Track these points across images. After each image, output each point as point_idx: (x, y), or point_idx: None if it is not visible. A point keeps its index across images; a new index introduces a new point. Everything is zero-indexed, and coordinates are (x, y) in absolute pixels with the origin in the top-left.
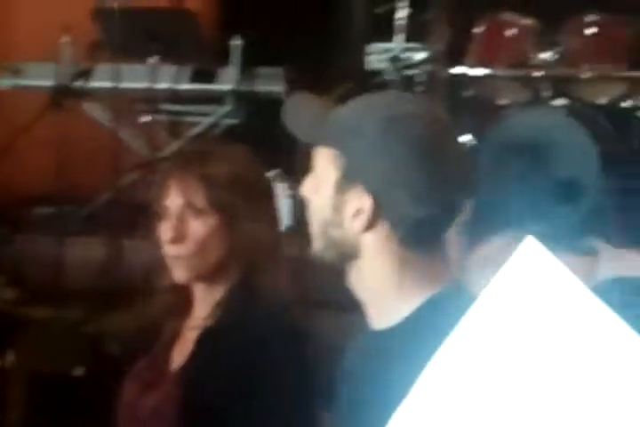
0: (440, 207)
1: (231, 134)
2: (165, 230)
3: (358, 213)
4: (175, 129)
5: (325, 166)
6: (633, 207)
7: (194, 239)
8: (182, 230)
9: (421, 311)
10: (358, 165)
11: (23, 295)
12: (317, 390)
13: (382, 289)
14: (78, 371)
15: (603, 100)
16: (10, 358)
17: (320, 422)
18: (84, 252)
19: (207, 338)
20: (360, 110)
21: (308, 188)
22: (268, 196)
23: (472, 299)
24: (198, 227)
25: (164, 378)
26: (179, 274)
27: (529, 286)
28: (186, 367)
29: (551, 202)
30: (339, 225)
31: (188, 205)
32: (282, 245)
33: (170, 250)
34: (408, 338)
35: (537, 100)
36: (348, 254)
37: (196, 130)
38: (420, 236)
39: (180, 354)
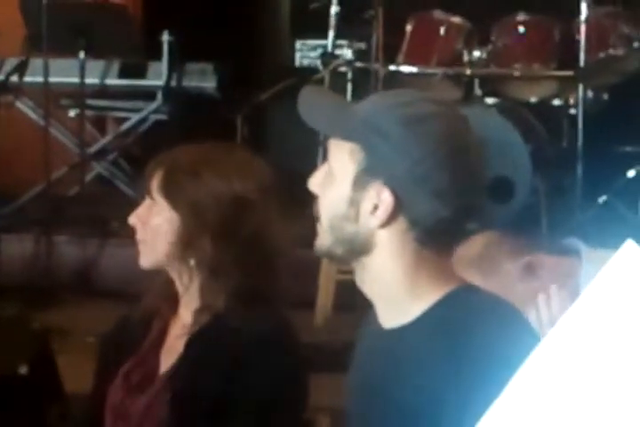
0: (460, 207)
1: (160, 130)
2: (132, 214)
3: (376, 208)
4: (104, 124)
5: (342, 160)
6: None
7: (148, 225)
8: (142, 215)
9: (435, 310)
10: (380, 161)
11: None
12: (306, 394)
13: (395, 287)
14: (23, 369)
15: (533, 99)
16: None
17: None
18: (15, 247)
19: (195, 343)
20: (381, 108)
21: (317, 181)
22: (237, 204)
23: (484, 299)
24: (152, 212)
25: (153, 380)
26: (140, 259)
27: (629, 289)
28: (176, 372)
29: (483, 200)
30: (353, 220)
31: (147, 189)
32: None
33: (136, 234)
34: (420, 337)
35: (468, 99)
36: (358, 250)
37: (125, 125)
38: (438, 235)
39: (169, 357)
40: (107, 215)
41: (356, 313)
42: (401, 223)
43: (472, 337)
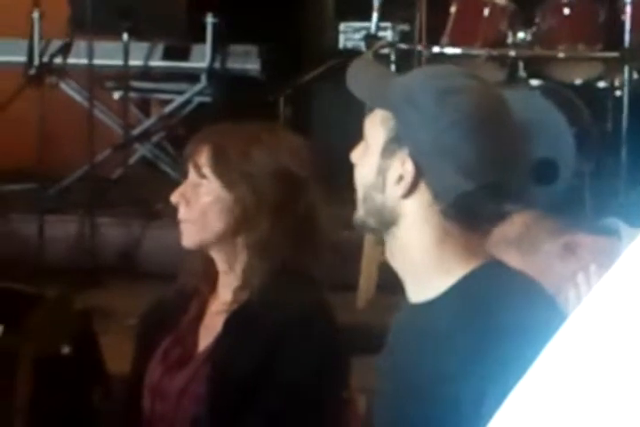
0: (487, 183)
1: (203, 112)
2: (174, 192)
3: (401, 178)
4: (148, 106)
5: (376, 128)
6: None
7: (196, 204)
8: (187, 193)
9: (462, 285)
10: (408, 130)
11: None
12: (342, 371)
13: (421, 260)
14: (66, 350)
15: (578, 81)
16: None
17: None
18: (59, 229)
19: (235, 321)
20: (418, 79)
21: (357, 153)
22: (291, 186)
23: (513, 275)
24: (200, 191)
25: (191, 358)
26: (183, 238)
27: None
28: (214, 349)
29: (528, 182)
30: (381, 190)
31: (194, 167)
32: (307, 228)
33: (179, 213)
34: (447, 312)
35: (512, 81)
36: (387, 221)
37: (168, 108)
38: (464, 209)
39: (207, 335)
40: (150, 197)
41: (398, 295)
42: (424, 195)
43: (497, 314)
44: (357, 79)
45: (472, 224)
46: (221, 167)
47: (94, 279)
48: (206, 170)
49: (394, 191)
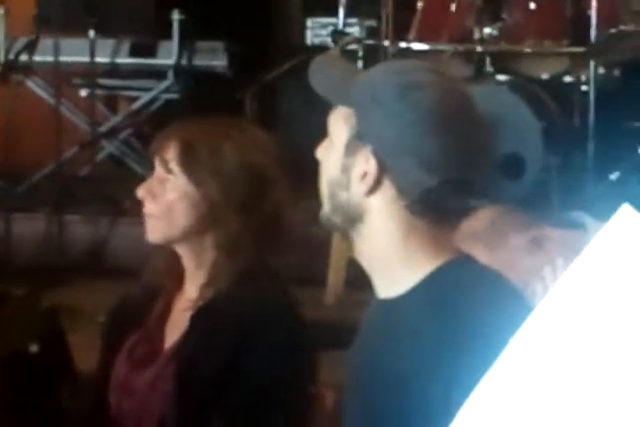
0: (451, 178)
1: (171, 109)
2: (140, 187)
3: (365, 175)
4: (115, 104)
5: (339, 126)
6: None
7: (162, 199)
8: (153, 188)
9: (429, 281)
10: (371, 126)
11: None
12: (309, 367)
13: (387, 256)
14: (33, 348)
15: (545, 76)
16: None
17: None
18: (27, 227)
19: (201, 317)
20: (380, 75)
21: (322, 149)
22: (259, 181)
23: (481, 270)
24: (167, 186)
25: (158, 355)
26: (148, 234)
27: (625, 254)
28: (181, 346)
29: (496, 177)
30: (345, 187)
31: (162, 162)
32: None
33: (144, 208)
34: (415, 307)
35: (479, 76)
36: (353, 218)
37: (136, 104)
38: (429, 204)
39: (173, 332)
40: (118, 195)
41: (366, 291)
42: (389, 191)
43: (464, 309)
44: (320, 76)
45: (438, 219)
46: (189, 163)
47: (62, 277)
48: (173, 165)
49: (358, 188)
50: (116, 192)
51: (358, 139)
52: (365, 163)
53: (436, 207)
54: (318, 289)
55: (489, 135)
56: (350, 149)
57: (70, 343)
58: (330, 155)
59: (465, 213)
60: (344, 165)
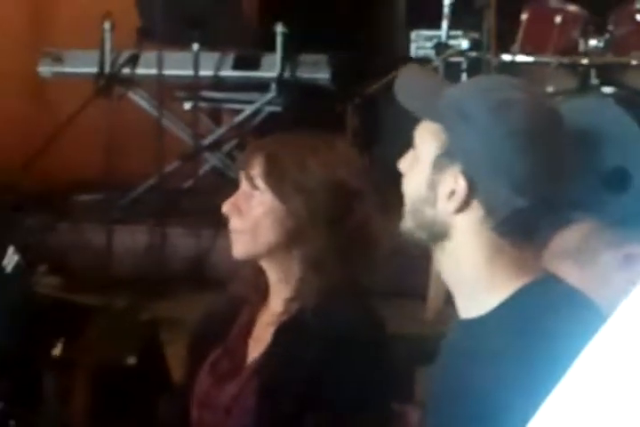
0: (541, 200)
1: (273, 121)
2: (226, 202)
3: (452, 193)
4: (218, 116)
5: (427, 141)
6: None
7: (248, 214)
8: (239, 204)
9: (512, 301)
10: (460, 144)
11: (67, 284)
12: (396, 384)
13: (471, 275)
14: (131, 360)
15: None
16: (59, 347)
17: (393, 413)
18: (129, 239)
19: (285, 332)
20: (470, 91)
21: (406, 163)
22: (347, 197)
23: (565, 290)
24: (253, 202)
25: (241, 370)
26: (234, 249)
27: None
28: (264, 361)
29: (599, 192)
30: (432, 204)
31: (247, 177)
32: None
33: (230, 223)
34: (497, 328)
35: (584, 88)
36: (438, 235)
37: (239, 117)
38: (516, 225)
39: (257, 346)
40: (220, 207)
41: None
42: (477, 211)
43: (546, 331)
44: (406, 89)
45: (525, 240)
46: (275, 178)
47: (163, 289)
48: (259, 181)
49: (445, 206)
50: (218, 205)
51: (447, 156)
52: (454, 181)
53: (524, 228)
54: (417, 303)
55: (571, 151)
56: (438, 166)
57: (170, 355)
58: (415, 170)
59: (553, 233)
60: (431, 181)
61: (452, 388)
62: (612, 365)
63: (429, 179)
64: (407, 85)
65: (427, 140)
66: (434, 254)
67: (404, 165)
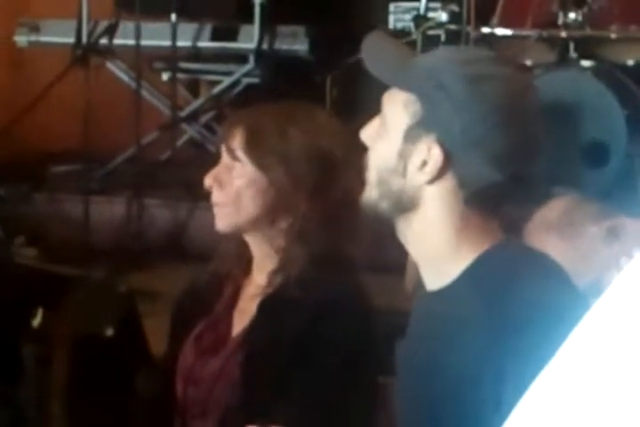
0: (514, 174)
1: (251, 93)
2: (207, 176)
3: (425, 163)
4: (196, 87)
5: (397, 111)
6: None
7: (229, 187)
8: (220, 177)
9: (472, 269)
10: (436, 114)
11: (44, 255)
12: (378, 355)
13: (437, 246)
14: (109, 331)
15: (630, 62)
16: (39, 317)
17: (378, 385)
18: (106, 210)
19: (270, 304)
20: (447, 62)
21: (370, 132)
22: (329, 165)
23: (521, 254)
24: (234, 174)
25: (225, 343)
26: (217, 223)
27: None
28: (249, 333)
29: (579, 166)
30: (401, 174)
31: (228, 149)
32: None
33: (212, 196)
34: (461, 297)
35: (563, 62)
36: (404, 206)
37: (217, 89)
38: (486, 198)
39: (241, 319)
40: (198, 179)
41: None
42: (449, 182)
43: (508, 295)
44: (375, 58)
45: (491, 211)
46: (255, 150)
47: (140, 261)
48: (240, 153)
49: (416, 177)
50: (196, 176)
51: (422, 126)
52: (427, 151)
53: (495, 201)
54: (396, 277)
55: (543, 127)
56: (410, 136)
57: (147, 328)
58: (384, 140)
59: (534, 207)
60: (401, 151)
61: (421, 357)
62: (602, 343)
63: (400, 148)
64: (375, 54)
65: (397, 109)
66: (397, 227)
67: (366, 134)
